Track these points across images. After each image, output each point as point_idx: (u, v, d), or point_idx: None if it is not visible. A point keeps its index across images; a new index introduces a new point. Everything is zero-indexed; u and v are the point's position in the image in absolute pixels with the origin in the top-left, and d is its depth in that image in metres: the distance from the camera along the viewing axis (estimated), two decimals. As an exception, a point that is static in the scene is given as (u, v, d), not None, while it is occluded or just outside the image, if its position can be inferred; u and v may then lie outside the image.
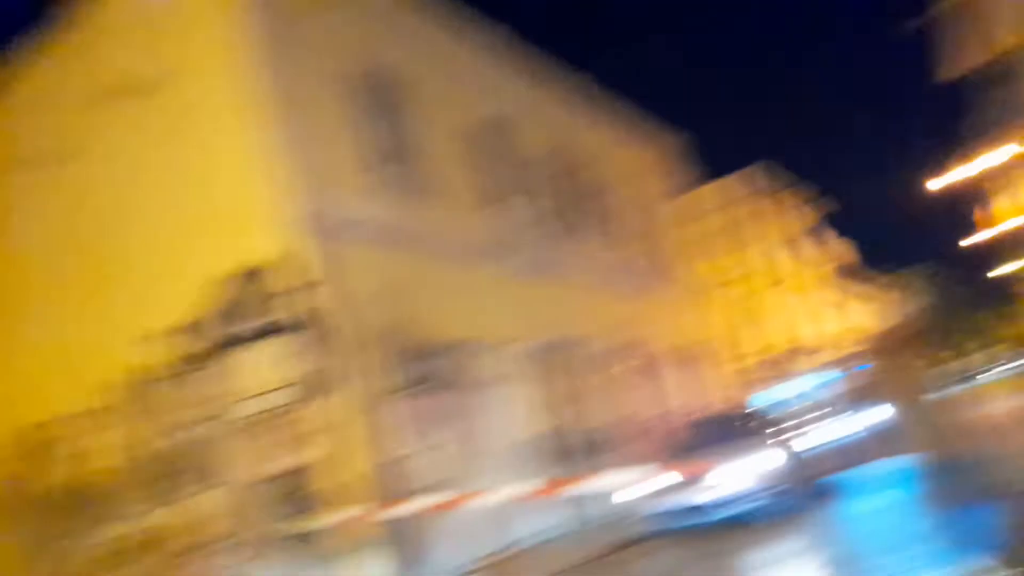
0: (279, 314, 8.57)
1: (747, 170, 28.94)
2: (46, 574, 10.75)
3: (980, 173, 18.22)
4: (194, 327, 9.36)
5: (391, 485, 8.38)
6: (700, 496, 8.69)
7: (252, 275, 8.80)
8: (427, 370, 8.72)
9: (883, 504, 8.87)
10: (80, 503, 10.70)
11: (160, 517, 9.92)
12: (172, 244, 10.02)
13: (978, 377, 32.87)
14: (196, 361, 9.41)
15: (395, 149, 10.59)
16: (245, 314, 8.95)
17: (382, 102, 10.67)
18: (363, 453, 8.36)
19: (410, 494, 8.22)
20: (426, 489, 8.29)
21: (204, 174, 9.67)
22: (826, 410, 11.02)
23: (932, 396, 12.81)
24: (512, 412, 10.86)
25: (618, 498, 9.28)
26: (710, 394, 16.60)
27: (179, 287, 9.54)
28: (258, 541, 8.78)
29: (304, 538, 8.31)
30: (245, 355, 9.01)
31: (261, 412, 8.80)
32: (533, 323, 12.13)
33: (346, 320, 8.60)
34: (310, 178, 8.99)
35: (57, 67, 11.59)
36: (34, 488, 11.39)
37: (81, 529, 10.66)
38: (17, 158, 12.17)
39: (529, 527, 9.59)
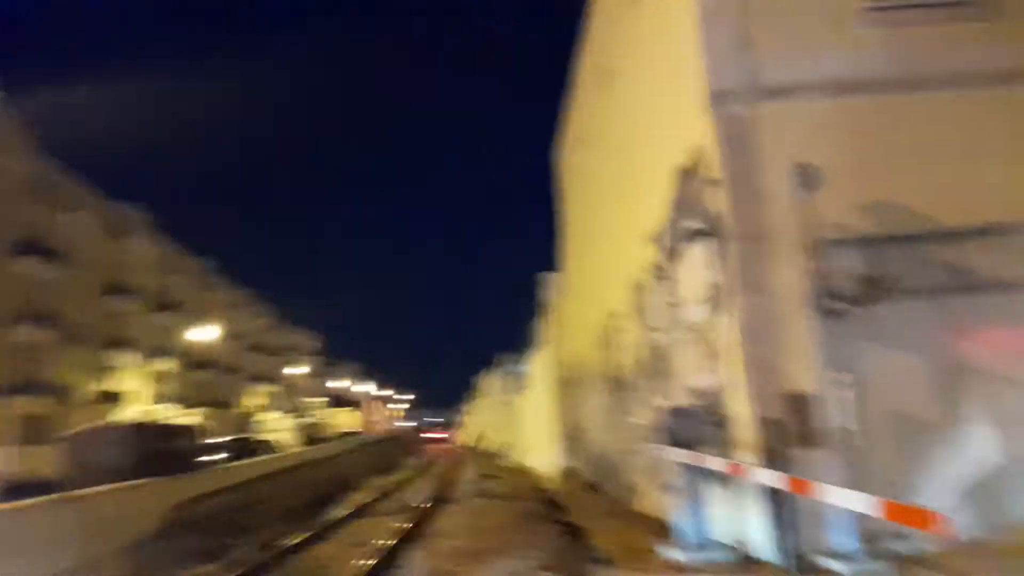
0: (705, 214, 7.57)
1: None
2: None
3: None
4: (660, 232, 9.06)
5: (797, 424, 6.62)
6: None
7: (688, 171, 7.87)
8: (900, 268, 6.38)
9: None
10: (620, 387, 12.46)
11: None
12: (646, 145, 10.13)
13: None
14: (661, 265, 9.19)
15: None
16: (685, 215, 8.04)
17: None
18: (766, 381, 6.76)
19: (822, 441, 6.79)
20: (843, 436, 6.68)
21: (655, 65, 9.39)
22: None
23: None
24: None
25: None
26: None
27: (654, 190, 9.33)
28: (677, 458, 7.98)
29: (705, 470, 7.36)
30: (686, 260, 8.19)
31: (690, 323, 7.97)
32: None
33: (772, 213, 7.00)
34: (750, 38, 7.39)
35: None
36: (604, 370, 13.76)
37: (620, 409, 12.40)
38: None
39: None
